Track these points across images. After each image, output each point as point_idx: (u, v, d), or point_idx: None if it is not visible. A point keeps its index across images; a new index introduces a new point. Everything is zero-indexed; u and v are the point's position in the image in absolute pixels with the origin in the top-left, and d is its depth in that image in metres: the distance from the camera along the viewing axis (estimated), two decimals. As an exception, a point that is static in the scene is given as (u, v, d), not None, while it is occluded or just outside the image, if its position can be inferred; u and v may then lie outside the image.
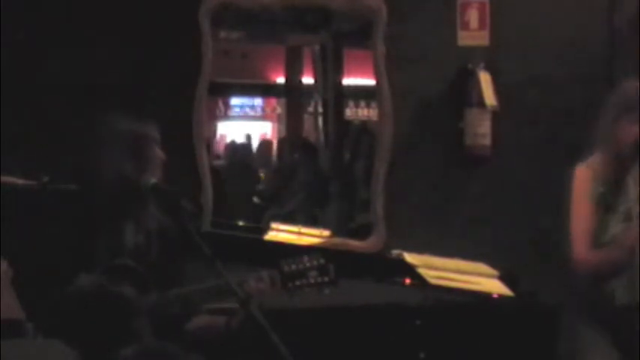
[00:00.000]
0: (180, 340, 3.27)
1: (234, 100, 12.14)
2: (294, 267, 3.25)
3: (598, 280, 3.46)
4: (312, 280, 3.26)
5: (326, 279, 3.27)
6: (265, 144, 10.77)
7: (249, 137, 11.46)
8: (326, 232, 5.07)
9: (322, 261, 3.27)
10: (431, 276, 4.23)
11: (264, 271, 3.25)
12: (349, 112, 9.72)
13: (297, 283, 3.25)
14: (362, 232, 5.21)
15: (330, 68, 7.05)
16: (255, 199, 8.57)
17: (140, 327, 3.14)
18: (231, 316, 3.24)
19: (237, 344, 3.34)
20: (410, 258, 4.41)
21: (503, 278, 4.37)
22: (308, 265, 3.26)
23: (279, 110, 11.87)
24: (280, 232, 4.98)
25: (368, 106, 9.80)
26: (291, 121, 9.92)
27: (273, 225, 5.09)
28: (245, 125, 11.97)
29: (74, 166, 3.45)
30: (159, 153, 3.37)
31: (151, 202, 3.35)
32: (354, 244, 5.00)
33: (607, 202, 3.49)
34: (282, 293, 3.26)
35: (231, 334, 3.26)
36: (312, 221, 6.69)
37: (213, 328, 3.32)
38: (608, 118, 3.56)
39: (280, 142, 10.45)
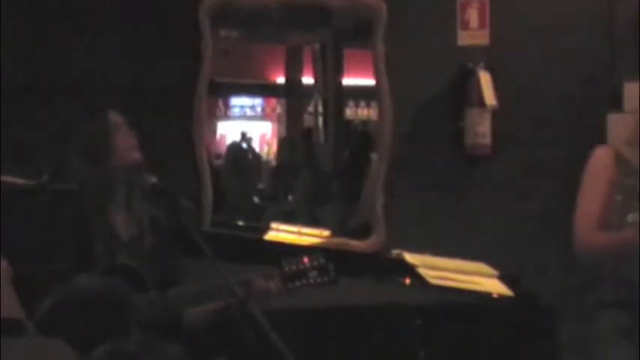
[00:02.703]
0: (178, 336, 3.27)
1: (234, 100, 12.14)
2: (294, 267, 3.26)
3: (598, 264, 3.39)
4: (312, 281, 3.27)
5: (326, 279, 3.28)
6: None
7: (244, 135, 11.40)
8: (326, 232, 5.07)
9: (322, 261, 3.28)
10: (431, 276, 4.23)
11: (260, 273, 3.26)
12: (349, 112, 9.71)
13: (297, 283, 3.25)
14: (362, 232, 5.21)
15: (330, 68, 7.05)
16: (255, 199, 8.57)
17: (139, 327, 3.14)
18: (230, 300, 3.23)
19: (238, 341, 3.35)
20: (410, 258, 4.41)
21: (503, 278, 4.37)
22: (308, 265, 3.26)
23: (279, 110, 11.86)
24: (280, 232, 4.98)
25: (368, 106, 9.79)
26: (291, 121, 9.92)
27: (273, 225, 5.10)
28: (245, 125, 11.95)
29: (58, 165, 3.50)
30: (126, 134, 3.37)
31: (135, 188, 3.36)
32: (354, 244, 5.00)
33: (629, 186, 3.35)
34: (282, 293, 3.27)
35: (230, 317, 3.26)
36: (312, 221, 6.69)
37: (212, 313, 3.32)
38: None
39: (280, 142, 10.44)
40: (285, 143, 9.84)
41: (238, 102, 12.18)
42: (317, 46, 7.63)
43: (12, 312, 2.35)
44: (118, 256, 3.27)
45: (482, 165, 5.16)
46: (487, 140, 5.10)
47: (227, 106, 12.07)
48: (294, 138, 9.39)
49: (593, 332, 3.44)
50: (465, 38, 5.16)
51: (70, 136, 3.45)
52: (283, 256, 3.29)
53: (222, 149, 10.50)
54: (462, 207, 5.14)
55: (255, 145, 11.55)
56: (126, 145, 3.35)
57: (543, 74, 5.16)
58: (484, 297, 4.24)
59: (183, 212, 3.19)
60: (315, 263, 3.27)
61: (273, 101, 12.06)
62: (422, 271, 4.25)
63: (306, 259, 3.26)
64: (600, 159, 3.42)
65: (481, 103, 5.05)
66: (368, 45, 5.07)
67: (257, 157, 10.68)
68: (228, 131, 11.74)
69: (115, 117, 3.40)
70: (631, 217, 3.32)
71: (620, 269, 3.36)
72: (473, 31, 5.15)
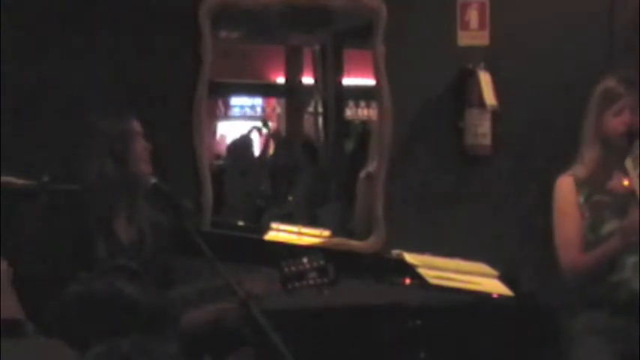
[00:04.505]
0: (176, 337, 3.27)
1: (234, 100, 12.13)
2: (293, 268, 3.26)
3: (589, 282, 3.48)
4: (311, 282, 3.27)
5: (325, 280, 3.29)
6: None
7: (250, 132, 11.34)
8: (326, 232, 5.07)
9: (322, 262, 3.28)
10: (431, 276, 4.23)
11: (260, 272, 3.26)
12: (349, 112, 9.70)
13: (297, 284, 3.26)
14: (362, 232, 5.21)
15: (330, 68, 7.04)
16: (257, 200, 8.55)
17: (139, 327, 3.15)
18: (224, 307, 3.24)
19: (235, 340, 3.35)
20: (410, 258, 4.42)
21: (503, 278, 4.37)
22: (308, 266, 3.27)
23: (279, 110, 11.86)
24: (280, 232, 4.98)
25: (368, 106, 9.78)
26: (291, 121, 9.92)
27: (273, 225, 5.10)
28: (245, 125, 11.94)
29: (64, 166, 3.48)
30: (143, 144, 3.37)
31: (139, 196, 3.36)
32: (354, 244, 5.00)
33: (597, 202, 3.51)
34: (281, 294, 3.27)
35: (230, 317, 3.26)
36: (312, 221, 6.69)
37: (212, 314, 3.32)
38: (592, 118, 3.60)
39: (280, 141, 10.42)
40: (282, 144, 9.84)
41: (238, 102, 12.18)
42: (317, 46, 7.62)
43: (12, 312, 2.35)
44: (118, 259, 3.27)
45: (482, 165, 5.16)
46: (487, 140, 5.10)
47: (227, 106, 12.07)
48: (291, 139, 9.39)
49: (571, 332, 3.53)
50: (464, 39, 5.16)
51: (82, 137, 3.42)
52: (283, 257, 3.29)
53: (222, 149, 10.49)
54: (462, 207, 5.15)
55: (255, 146, 11.54)
56: (142, 155, 3.35)
57: (543, 74, 5.16)
58: (484, 297, 4.25)
59: (183, 213, 3.19)
60: (315, 264, 3.28)
61: (273, 101, 12.06)
62: (422, 271, 4.26)
63: (305, 260, 3.27)
64: (563, 188, 3.60)
65: (481, 103, 5.05)
66: (368, 45, 5.07)
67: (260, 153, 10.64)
68: (228, 131, 11.73)
69: (136, 125, 3.40)
70: (606, 228, 3.44)
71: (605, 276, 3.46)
72: (473, 31, 5.16)
